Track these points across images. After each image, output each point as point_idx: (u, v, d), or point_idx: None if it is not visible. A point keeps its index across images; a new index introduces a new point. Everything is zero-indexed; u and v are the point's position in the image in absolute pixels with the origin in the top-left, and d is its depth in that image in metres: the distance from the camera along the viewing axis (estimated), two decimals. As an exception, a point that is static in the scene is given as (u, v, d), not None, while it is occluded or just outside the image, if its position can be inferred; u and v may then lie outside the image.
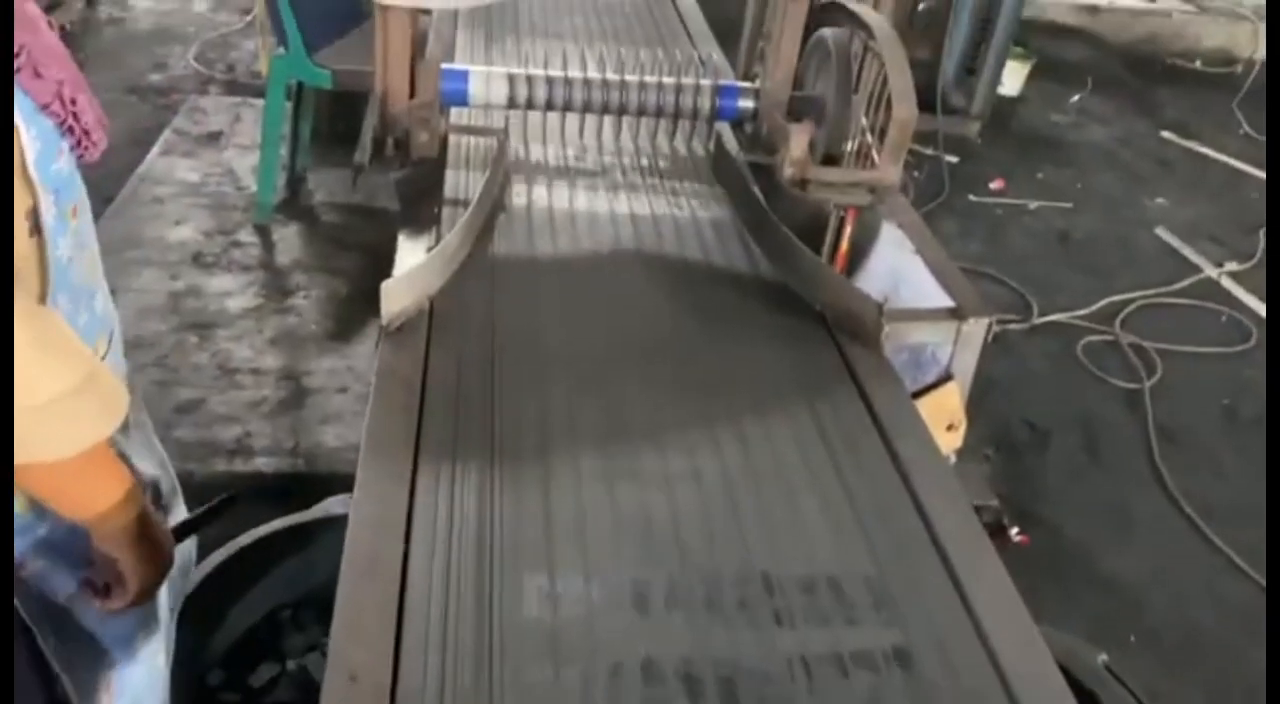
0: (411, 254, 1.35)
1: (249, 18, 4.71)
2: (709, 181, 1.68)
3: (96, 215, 2.85)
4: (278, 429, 2.47)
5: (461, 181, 1.58)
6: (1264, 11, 5.99)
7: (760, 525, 0.99)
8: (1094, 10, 5.94)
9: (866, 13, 1.66)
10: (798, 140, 1.55)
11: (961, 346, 1.28)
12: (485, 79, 1.65)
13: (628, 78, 1.69)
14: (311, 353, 2.73)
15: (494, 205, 1.47)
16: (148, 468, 1.35)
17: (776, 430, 1.13)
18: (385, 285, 1.18)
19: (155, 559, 1.05)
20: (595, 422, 1.12)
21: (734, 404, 1.18)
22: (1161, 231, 3.97)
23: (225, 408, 2.52)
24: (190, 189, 3.41)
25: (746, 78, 1.92)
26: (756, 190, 1.53)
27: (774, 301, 1.38)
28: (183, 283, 2.94)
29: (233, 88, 4.22)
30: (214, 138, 3.75)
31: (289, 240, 3.22)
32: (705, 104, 1.70)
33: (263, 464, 2.37)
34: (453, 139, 1.66)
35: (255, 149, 3.37)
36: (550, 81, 1.67)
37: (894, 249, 1.51)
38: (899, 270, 1.49)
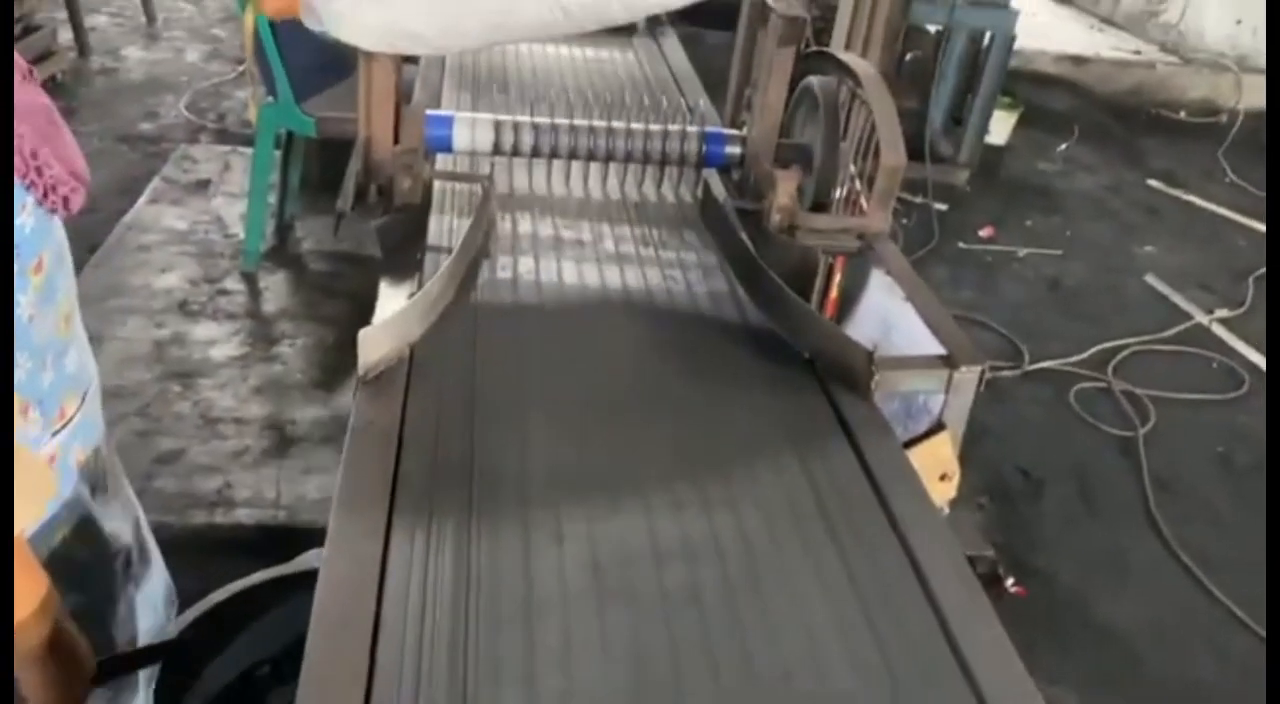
0: (393, 302, 1.32)
1: (241, 68, 4.74)
2: (696, 228, 1.66)
3: (80, 264, 2.83)
4: (260, 480, 2.43)
5: (445, 228, 1.56)
6: (1246, 63, 6.08)
7: (750, 604, 0.95)
8: (1079, 61, 6.02)
9: (854, 60, 1.66)
10: (785, 186, 1.54)
11: (954, 395, 1.25)
12: (470, 125, 1.64)
13: (614, 124, 1.67)
14: (296, 402, 2.70)
15: (478, 252, 1.45)
16: (124, 533, 1.31)
17: (768, 490, 1.09)
18: (363, 333, 1.15)
19: (69, 689, 0.91)
20: (578, 478, 1.09)
21: (723, 458, 1.14)
22: (1151, 279, 3.98)
23: (207, 458, 2.48)
24: (177, 237, 3.39)
25: (734, 125, 1.92)
26: (744, 237, 1.52)
27: (762, 349, 1.35)
28: (167, 331, 2.91)
29: (223, 136, 4.23)
30: (203, 186, 3.74)
31: (276, 288, 3.20)
32: (692, 150, 1.69)
33: (243, 516, 2.32)
34: (437, 185, 1.64)
35: (244, 197, 3.37)
36: (536, 127, 1.66)
37: (884, 296, 1.49)
38: (889, 317, 1.47)
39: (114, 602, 1.26)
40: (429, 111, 1.64)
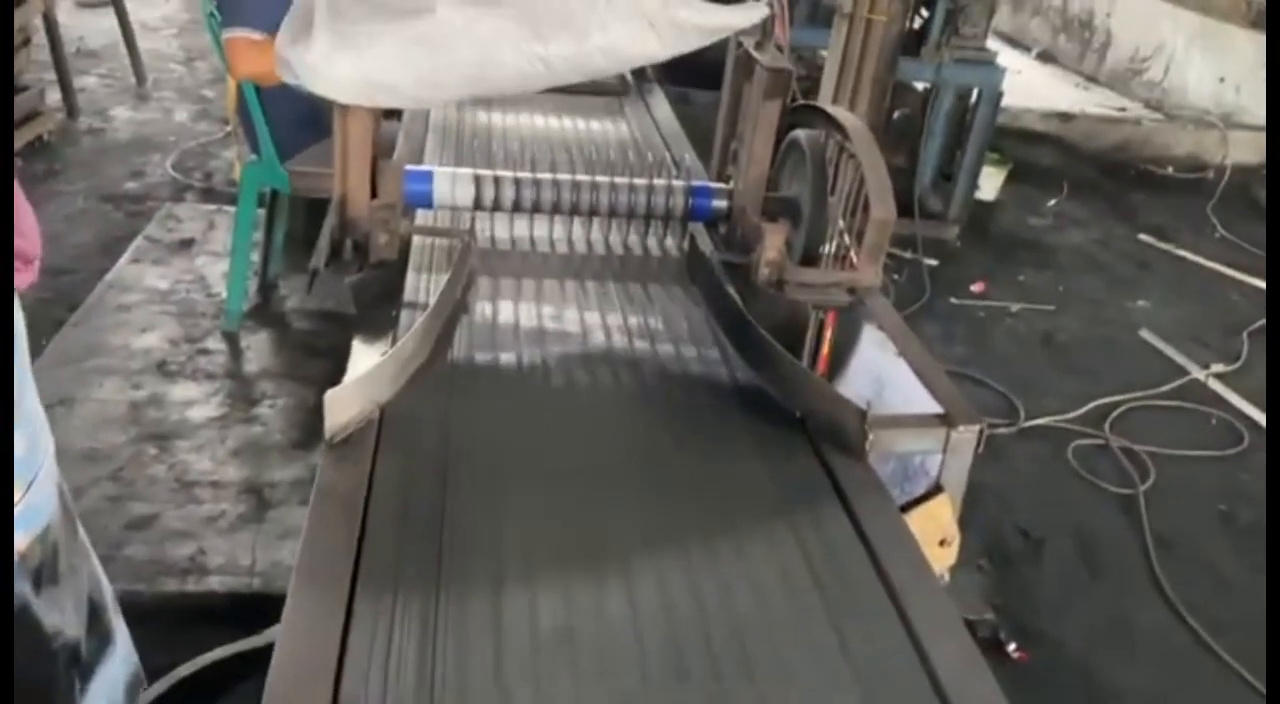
0: (365, 360, 1.27)
1: (229, 127, 4.73)
2: (683, 284, 1.62)
3: (59, 324, 2.73)
4: (235, 545, 2.34)
5: (424, 284, 1.51)
6: (1231, 120, 6.14)
7: (741, 683, 0.88)
8: (1065, 118, 6.07)
9: (841, 113, 1.63)
10: (773, 239, 1.50)
11: (951, 455, 1.20)
12: (451, 180, 1.60)
13: (599, 179, 1.64)
14: (275, 463, 2.62)
15: (455, 309, 1.40)
16: (70, 626, 1.24)
17: (759, 561, 1.03)
18: (330, 395, 1.09)
19: None
20: (556, 552, 1.02)
21: (711, 527, 1.08)
22: (1145, 333, 3.94)
23: (180, 523, 2.39)
24: (159, 296, 3.33)
25: (720, 179, 1.88)
26: (732, 292, 1.47)
27: (752, 409, 1.30)
28: (144, 392, 2.83)
29: (209, 195, 4.20)
30: (186, 245, 3.69)
31: (258, 347, 3.14)
32: (678, 204, 1.65)
33: (216, 583, 2.23)
34: (416, 241, 1.60)
35: (228, 256, 3.31)
36: (519, 182, 1.62)
37: (877, 352, 1.44)
38: (883, 374, 1.42)
39: (54, 697, 1.18)
40: (408, 167, 1.60)
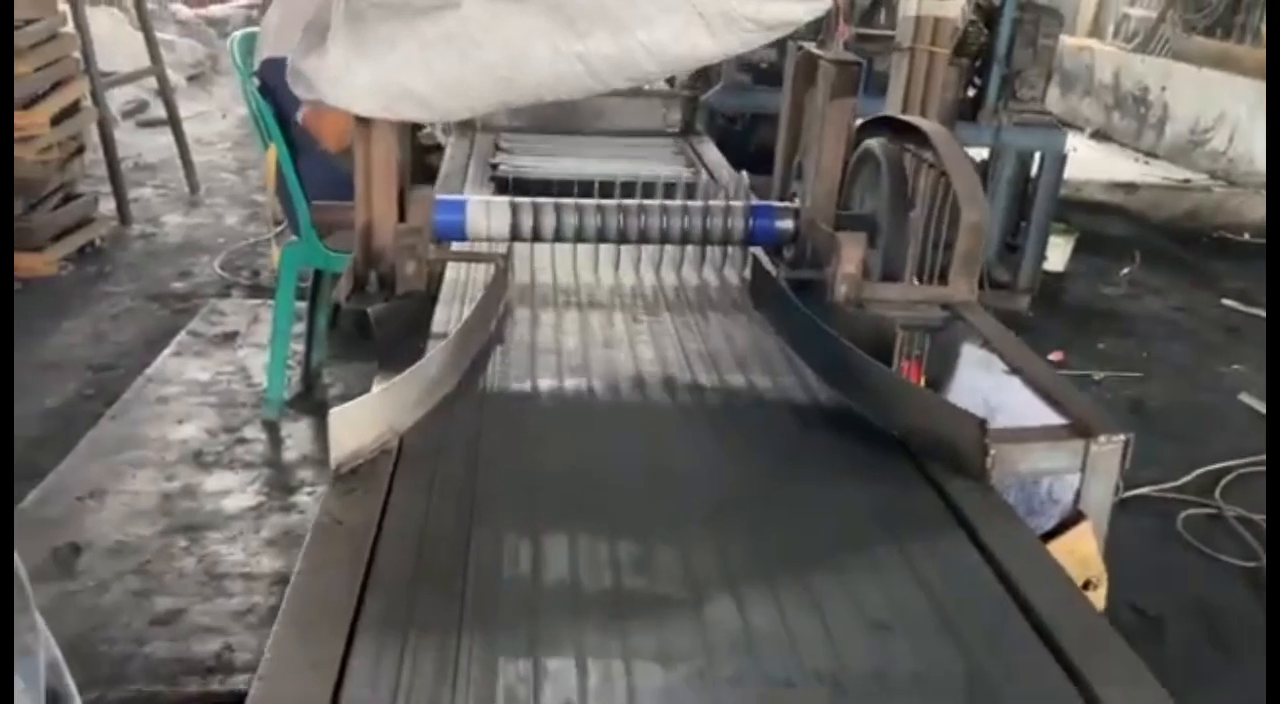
0: (386, 394, 1.08)
1: (280, 227, 4.71)
2: (744, 310, 1.43)
3: (96, 417, 2.53)
4: (265, 641, 2.13)
5: (455, 317, 1.34)
6: (1305, 182, 5.89)
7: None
8: (1130, 188, 5.88)
9: (916, 120, 1.46)
10: (849, 252, 1.32)
11: (1092, 474, 0.98)
12: (485, 209, 1.45)
13: (648, 202, 1.47)
14: (312, 554, 2.43)
15: (490, 336, 1.22)
16: None
17: (877, 611, 0.80)
18: (336, 413, 0.91)
19: None
20: (607, 610, 0.80)
21: (810, 572, 0.85)
22: (1245, 397, 3.65)
23: (208, 618, 2.20)
24: (199, 388, 3.22)
25: (782, 199, 1.71)
26: (804, 308, 1.27)
27: (843, 432, 1.09)
28: (178, 483, 2.68)
29: (256, 291, 4.14)
30: (229, 338, 3.60)
31: (299, 435, 2.99)
32: (738, 227, 1.47)
33: (243, 683, 2.02)
34: (449, 272, 1.44)
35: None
36: (559, 209, 1.46)
37: (981, 373, 1.23)
38: (990, 397, 1.20)
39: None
40: (439, 195, 1.45)
